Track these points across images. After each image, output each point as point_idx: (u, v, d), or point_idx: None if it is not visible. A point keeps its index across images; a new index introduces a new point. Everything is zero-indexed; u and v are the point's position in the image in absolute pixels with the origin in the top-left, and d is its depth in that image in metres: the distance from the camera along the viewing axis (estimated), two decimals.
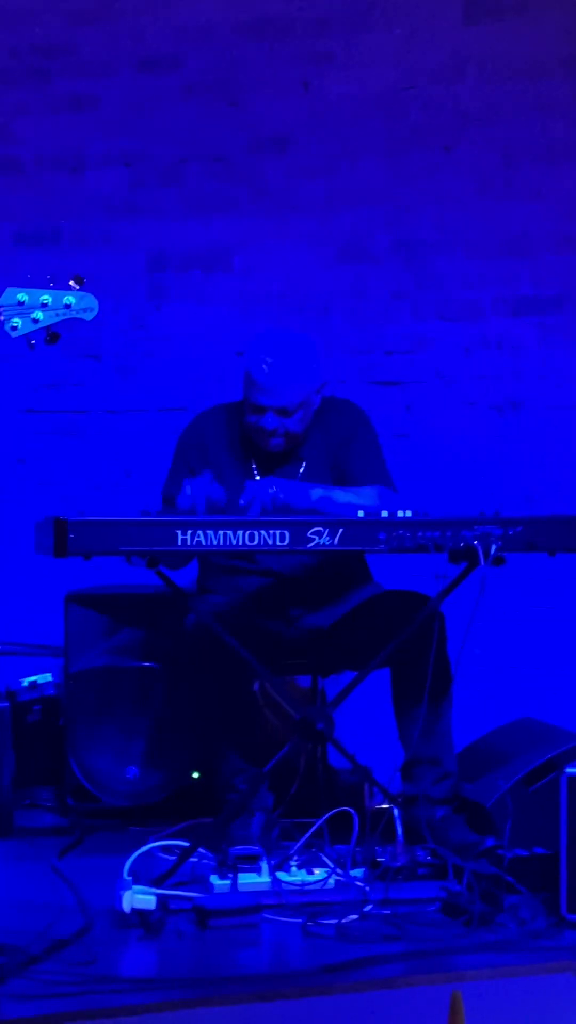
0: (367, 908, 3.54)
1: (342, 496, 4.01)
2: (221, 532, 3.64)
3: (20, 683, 4.90)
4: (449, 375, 5.31)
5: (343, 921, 3.46)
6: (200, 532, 3.63)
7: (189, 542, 3.62)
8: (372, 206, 5.32)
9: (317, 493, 3.98)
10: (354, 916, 3.49)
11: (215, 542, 3.63)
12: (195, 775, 4.63)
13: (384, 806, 3.98)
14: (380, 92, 5.30)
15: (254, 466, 4.25)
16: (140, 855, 3.68)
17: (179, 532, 3.62)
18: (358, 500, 3.97)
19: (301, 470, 4.23)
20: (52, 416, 5.49)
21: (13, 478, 5.50)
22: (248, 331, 5.26)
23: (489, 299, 5.28)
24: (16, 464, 5.52)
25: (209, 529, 3.63)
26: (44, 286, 3.48)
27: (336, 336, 5.32)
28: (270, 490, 3.93)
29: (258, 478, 4.16)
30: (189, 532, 3.62)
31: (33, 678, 4.91)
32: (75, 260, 5.40)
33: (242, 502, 3.94)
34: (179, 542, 3.61)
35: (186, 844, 3.83)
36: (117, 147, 5.44)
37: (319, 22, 5.33)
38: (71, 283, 3.50)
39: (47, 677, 4.92)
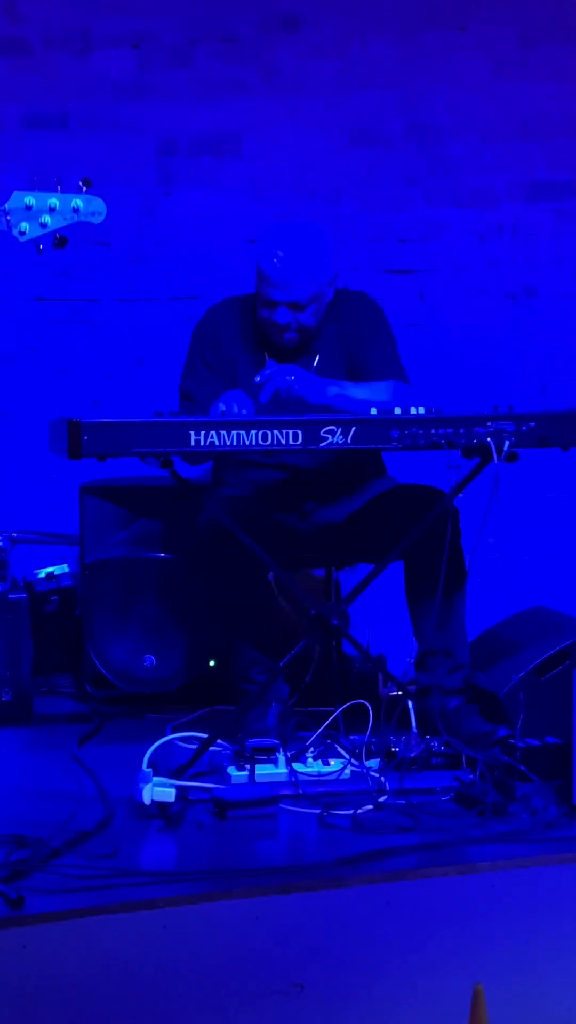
0: (382, 799, 3.60)
1: (357, 392, 4.00)
2: (235, 432, 3.64)
3: (36, 574, 4.94)
4: (462, 262, 5.26)
5: (358, 812, 3.52)
6: (213, 432, 3.63)
7: (203, 443, 3.63)
8: (384, 88, 5.23)
9: (333, 390, 3.97)
10: (369, 806, 3.55)
11: (228, 442, 3.64)
12: (211, 663, 4.69)
13: (397, 693, 4.03)
14: None
15: (268, 359, 4.23)
16: (159, 746, 3.74)
17: (192, 433, 3.62)
18: (373, 396, 3.96)
19: (315, 363, 4.22)
20: (63, 304, 5.46)
21: (26, 367, 5.49)
22: (259, 217, 5.22)
23: (503, 184, 5.21)
24: (29, 352, 5.50)
25: (222, 429, 3.64)
26: (52, 188, 3.44)
27: (348, 223, 5.27)
28: (289, 377, 3.94)
29: None
30: (202, 433, 3.63)
31: (49, 569, 4.96)
32: (83, 144, 5.34)
33: (258, 379, 3.94)
34: (192, 443, 3.62)
35: (203, 734, 3.89)
36: (125, 27, 5.33)
37: None
38: (80, 185, 3.46)
39: (63, 568, 4.97)
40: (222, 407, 3.92)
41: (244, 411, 3.92)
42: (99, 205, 3.45)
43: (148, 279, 5.41)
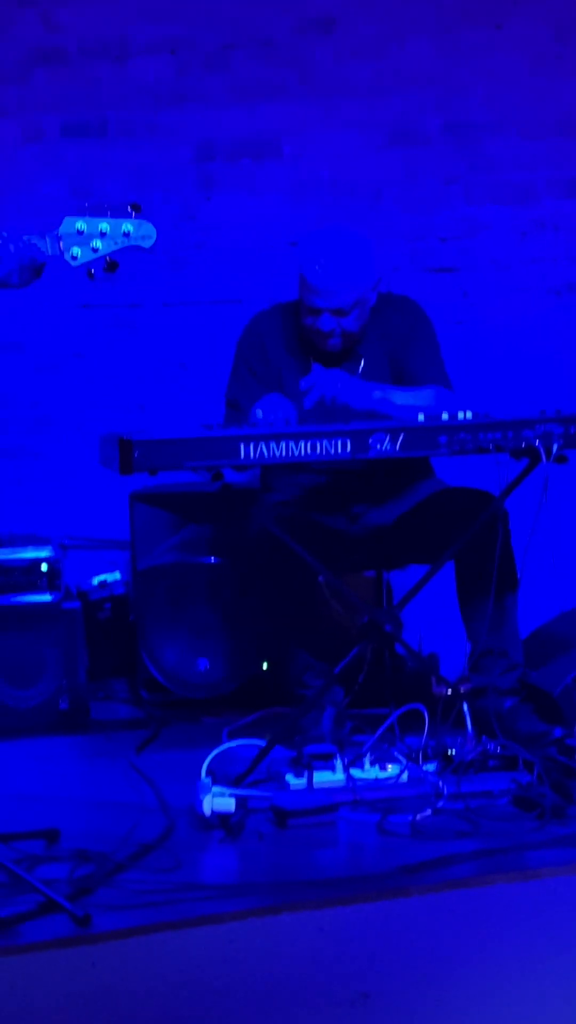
0: (440, 803, 3.62)
1: (401, 397, 4.01)
2: (284, 443, 3.66)
3: (90, 582, 4.98)
4: (504, 260, 5.26)
5: (417, 817, 3.54)
6: (263, 444, 3.65)
7: (252, 455, 3.65)
8: (422, 87, 5.23)
9: (377, 395, 3.99)
10: (427, 811, 3.57)
11: (278, 454, 3.66)
12: (264, 666, 4.71)
13: (451, 693, 4.04)
14: None
15: (313, 365, 4.25)
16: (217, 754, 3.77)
17: (242, 445, 3.65)
18: (416, 401, 3.97)
19: (360, 367, 4.24)
20: (107, 310, 5.49)
21: (72, 373, 5.54)
22: (300, 219, 5.23)
23: (543, 180, 5.21)
24: (75, 359, 5.54)
25: (271, 441, 3.66)
26: (102, 214, 3.48)
27: (389, 222, 5.27)
28: (335, 382, 3.96)
29: None
30: (252, 445, 3.65)
31: (102, 577, 5.00)
32: (122, 150, 5.37)
33: (303, 386, 3.96)
34: (242, 455, 3.65)
35: (261, 741, 3.92)
36: (161, 34, 5.35)
37: None
38: (129, 210, 3.49)
39: (116, 576, 5.01)
40: (259, 412, 3.94)
41: (284, 416, 3.93)
42: (149, 229, 3.48)
43: (190, 283, 5.43)
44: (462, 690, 3.95)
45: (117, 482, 4.90)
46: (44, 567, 4.66)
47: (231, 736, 4.15)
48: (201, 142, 5.39)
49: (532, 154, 5.19)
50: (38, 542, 4.76)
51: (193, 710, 4.70)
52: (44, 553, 4.67)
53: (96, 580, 4.96)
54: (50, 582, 4.66)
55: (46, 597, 4.65)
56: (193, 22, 5.32)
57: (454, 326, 5.19)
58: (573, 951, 3.04)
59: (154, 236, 3.50)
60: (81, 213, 3.43)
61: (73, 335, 5.53)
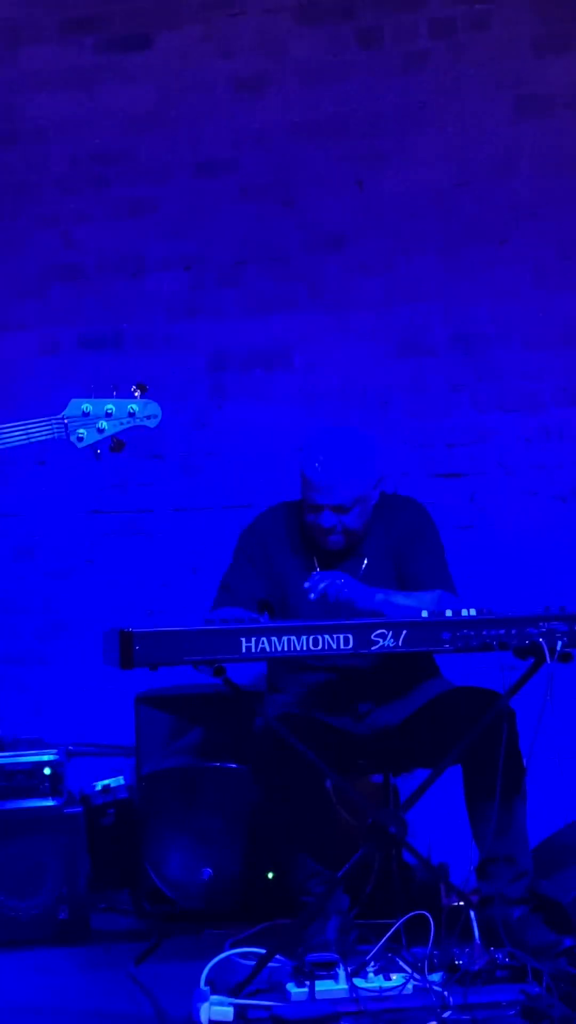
0: (446, 1015, 3.49)
1: (403, 601, 4.01)
2: (286, 638, 3.65)
3: (93, 787, 4.92)
4: (511, 465, 5.31)
5: None
6: (264, 639, 3.64)
7: (254, 650, 3.64)
8: (429, 300, 5.36)
9: (379, 597, 3.99)
10: (433, 1023, 3.45)
11: (280, 648, 3.65)
12: (270, 875, 4.61)
13: (459, 903, 3.94)
14: (434, 188, 5.35)
15: (316, 563, 4.26)
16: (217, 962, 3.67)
17: (243, 639, 3.64)
18: (419, 606, 3.96)
19: (363, 566, 4.25)
20: (118, 516, 5.55)
21: (82, 579, 5.56)
22: (310, 427, 5.30)
23: (549, 389, 5.29)
24: (85, 565, 5.58)
25: (273, 635, 3.65)
26: (107, 395, 3.54)
27: (397, 429, 5.35)
28: (338, 581, 3.96)
29: None
30: (254, 639, 3.64)
31: (106, 781, 4.93)
32: (137, 362, 5.49)
33: (306, 585, 3.97)
34: (244, 650, 3.63)
35: (262, 950, 3.81)
36: (176, 250, 5.53)
37: (371, 121, 5.40)
38: (134, 390, 3.55)
39: (120, 780, 4.94)
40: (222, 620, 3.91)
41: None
42: (154, 408, 3.54)
43: (201, 489, 5.50)
44: (472, 902, 3.86)
45: (124, 688, 4.92)
46: (47, 771, 4.61)
47: (233, 947, 4.04)
48: (214, 353, 5.51)
49: (538, 364, 5.28)
50: (42, 747, 4.72)
51: (196, 921, 4.58)
52: (47, 757, 4.64)
53: (99, 785, 4.90)
54: (53, 787, 4.61)
55: (48, 802, 4.59)
56: (207, 239, 5.50)
57: (461, 531, 5.22)
58: None
59: (159, 415, 3.56)
60: (87, 395, 3.49)
61: (83, 541, 5.57)
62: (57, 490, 5.56)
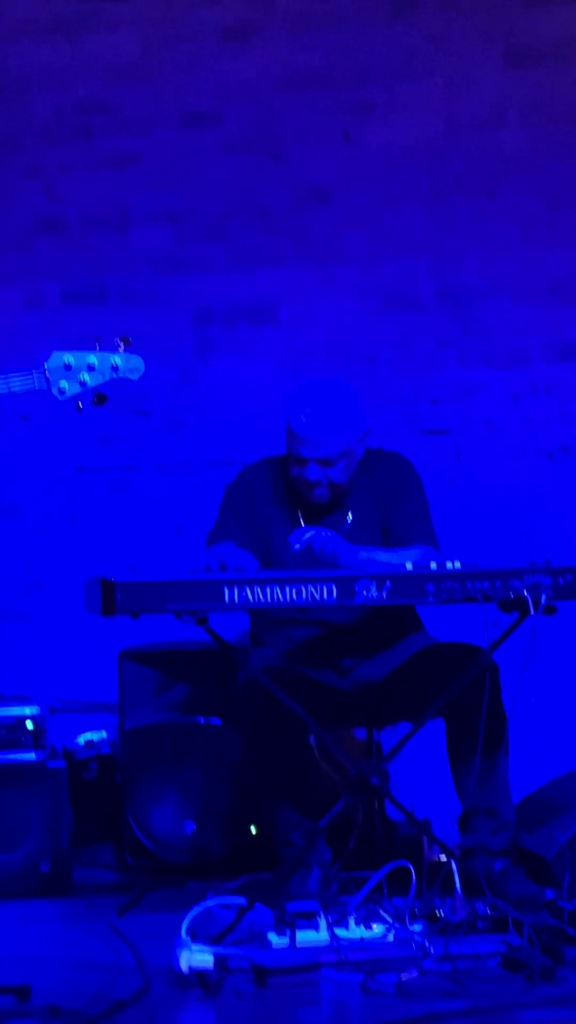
0: (427, 963, 3.49)
1: (386, 558, 4.00)
2: (268, 588, 3.64)
3: (76, 741, 4.91)
4: (498, 422, 5.29)
5: (403, 977, 3.41)
6: (247, 588, 3.63)
7: (237, 600, 3.62)
8: (416, 255, 5.32)
9: (363, 556, 3.97)
10: (414, 972, 3.44)
11: (262, 599, 3.63)
12: (253, 830, 4.61)
13: (442, 858, 3.94)
14: (421, 140, 5.31)
15: (300, 517, 4.24)
16: (198, 912, 3.66)
17: (226, 589, 3.62)
18: (402, 563, 3.95)
19: (348, 520, 4.23)
20: (102, 473, 5.51)
21: (66, 535, 5.53)
22: (295, 383, 5.27)
23: (536, 345, 5.26)
24: (69, 521, 5.54)
25: (256, 585, 3.63)
26: (90, 347, 3.50)
27: (383, 386, 5.32)
28: (323, 534, 3.95)
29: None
30: (236, 589, 3.62)
31: (89, 736, 4.92)
32: (121, 317, 5.44)
33: (291, 538, 3.95)
34: (226, 600, 3.62)
35: (244, 901, 3.81)
36: (161, 203, 5.47)
37: (359, 73, 5.35)
38: (117, 343, 3.52)
39: (102, 735, 4.93)
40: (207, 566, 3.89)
41: (237, 565, 3.89)
42: (137, 362, 3.51)
43: (186, 445, 5.46)
44: (456, 855, 3.85)
45: (108, 645, 4.90)
46: (29, 725, 4.59)
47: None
48: (199, 308, 5.46)
49: (525, 319, 5.25)
50: (25, 702, 4.70)
51: (179, 875, 4.58)
52: (29, 711, 4.61)
53: (82, 739, 4.88)
54: (35, 740, 4.59)
55: (30, 756, 4.57)
56: (192, 192, 5.44)
57: (447, 488, 5.20)
58: None
59: (142, 368, 3.53)
60: (69, 347, 3.45)
61: (68, 498, 5.53)
62: (41, 446, 5.52)
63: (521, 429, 5.28)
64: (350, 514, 4.24)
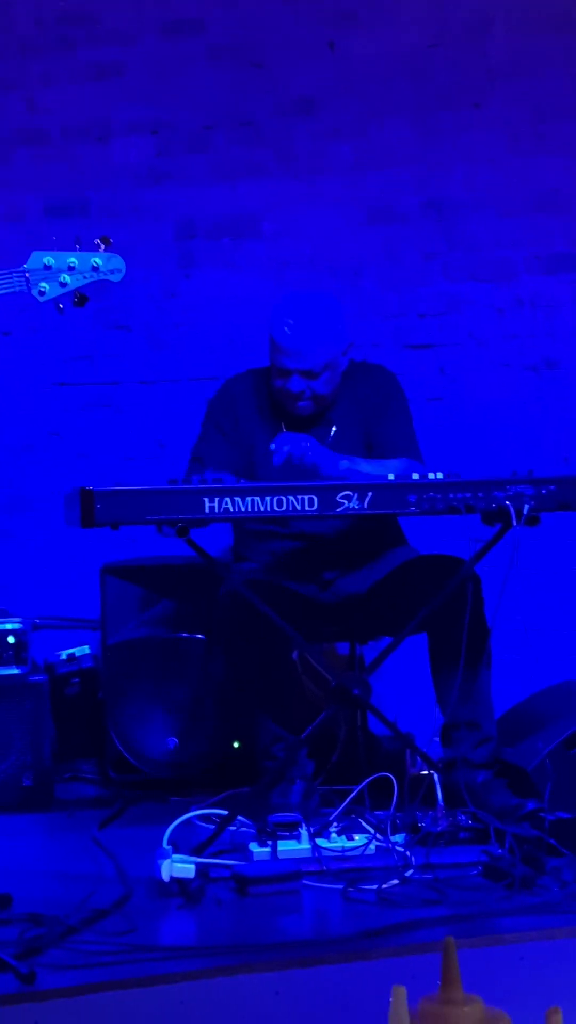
0: (408, 873, 3.51)
1: (367, 468, 3.97)
2: (249, 498, 3.60)
3: (58, 656, 4.90)
4: (482, 336, 5.25)
5: (384, 886, 3.43)
6: (228, 499, 3.59)
7: (217, 510, 3.59)
8: (401, 166, 5.25)
9: (344, 464, 3.94)
10: (395, 881, 3.46)
11: (243, 509, 3.60)
12: (236, 745, 4.61)
13: (424, 772, 3.94)
14: (406, 51, 5.23)
15: (284, 430, 4.21)
16: (180, 825, 3.67)
17: (206, 499, 3.59)
18: (384, 473, 3.92)
19: (331, 432, 4.20)
20: (84, 388, 5.46)
21: (48, 452, 5.49)
22: (280, 294, 5.21)
23: (522, 258, 5.21)
24: (50, 437, 5.50)
25: (237, 496, 3.60)
26: (71, 248, 3.43)
27: (368, 299, 5.27)
28: (304, 443, 3.91)
29: None
30: (216, 499, 3.59)
31: (71, 651, 4.91)
32: (103, 230, 5.26)
33: (272, 447, 3.92)
34: (207, 510, 3.59)
35: (226, 813, 3.81)
36: (142, 115, 5.39)
37: None
38: (97, 243, 3.45)
39: (85, 650, 4.92)
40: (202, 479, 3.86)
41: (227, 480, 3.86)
42: (118, 262, 3.44)
43: (169, 361, 5.41)
44: (439, 768, 3.86)
45: (90, 562, 4.87)
46: (11, 639, 4.58)
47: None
48: (182, 221, 5.40)
49: (511, 231, 5.20)
50: (6, 617, 4.68)
51: (162, 790, 4.58)
52: (10, 625, 4.60)
53: (64, 654, 4.87)
54: (16, 655, 4.58)
55: (12, 670, 4.56)
56: (174, 103, 5.36)
57: (431, 402, 5.17)
58: (538, 1015, 2.90)
59: (123, 269, 3.46)
60: (49, 247, 3.38)
61: (49, 414, 5.49)
62: (22, 361, 5.47)
63: (506, 343, 5.24)
64: (334, 427, 4.20)
